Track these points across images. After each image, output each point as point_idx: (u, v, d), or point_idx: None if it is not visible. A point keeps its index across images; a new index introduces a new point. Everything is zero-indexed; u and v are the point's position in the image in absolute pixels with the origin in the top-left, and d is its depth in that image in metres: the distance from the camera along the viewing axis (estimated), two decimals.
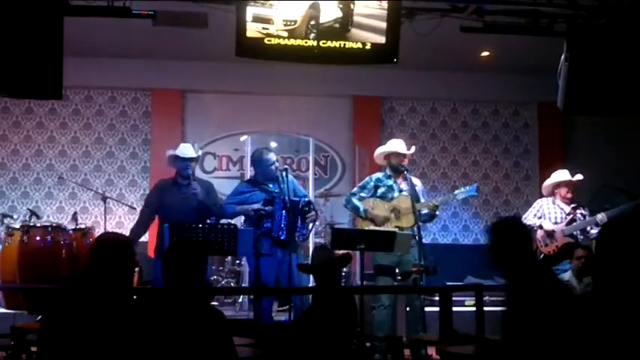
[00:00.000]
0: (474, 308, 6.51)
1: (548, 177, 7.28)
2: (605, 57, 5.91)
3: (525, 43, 7.23)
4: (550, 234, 6.89)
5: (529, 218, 7.04)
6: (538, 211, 7.09)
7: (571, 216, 6.93)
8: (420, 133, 9.92)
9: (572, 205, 7.00)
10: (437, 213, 6.75)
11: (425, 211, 6.66)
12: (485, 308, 6.53)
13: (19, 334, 5.41)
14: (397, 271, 6.68)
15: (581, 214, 6.98)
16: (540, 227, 6.92)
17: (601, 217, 6.75)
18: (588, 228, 6.92)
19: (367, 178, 6.94)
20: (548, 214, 7.02)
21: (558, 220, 6.97)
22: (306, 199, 6.62)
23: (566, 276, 6.33)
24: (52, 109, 9.32)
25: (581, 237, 6.97)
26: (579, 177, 7.07)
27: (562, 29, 6.07)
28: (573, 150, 9.87)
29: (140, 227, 6.80)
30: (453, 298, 6.50)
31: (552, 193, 7.11)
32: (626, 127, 8.88)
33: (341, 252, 6.31)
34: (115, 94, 9.50)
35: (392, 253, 6.27)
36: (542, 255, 6.90)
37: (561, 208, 7.01)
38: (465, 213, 9.92)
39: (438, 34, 6.09)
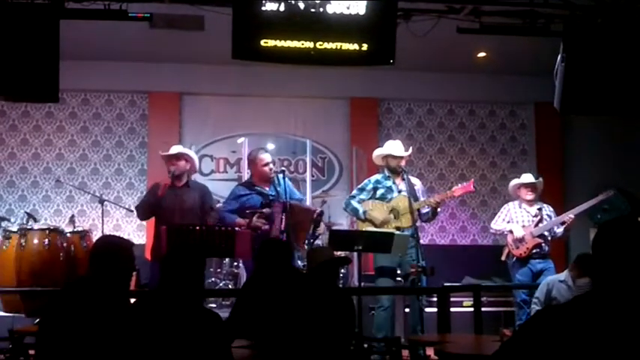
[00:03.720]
0: (471, 309, 6.53)
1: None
2: (602, 57, 5.91)
3: (522, 44, 7.25)
4: (520, 238, 7.06)
5: (498, 223, 7.31)
6: (506, 215, 7.30)
7: (538, 217, 7.13)
8: (417, 134, 9.92)
9: (537, 207, 7.22)
10: (439, 210, 6.79)
11: (426, 209, 6.68)
12: (483, 309, 6.55)
13: (18, 338, 5.40)
14: (399, 272, 6.69)
15: (547, 214, 7.22)
16: (510, 232, 7.12)
17: (567, 216, 7.07)
18: (555, 228, 7.17)
19: (366, 180, 6.94)
20: (515, 217, 7.24)
21: (526, 223, 7.17)
22: (319, 210, 6.67)
23: (563, 276, 6.34)
24: (49, 113, 9.31)
25: (550, 236, 7.19)
26: (531, 179, 7.30)
27: (558, 29, 6.08)
28: (570, 150, 9.88)
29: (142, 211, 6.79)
30: (451, 299, 6.52)
31: (517, 196, 7.35)
32: (623, 126, 8.89)
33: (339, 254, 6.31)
34: (111, 97, 9.48)
35: (393, 255, 6.27)
36: (514, 258, 7.10)
37: (527, 211, 7.24)
38: (463, 214, 9.91)
39: (435, 35, 6.10)
